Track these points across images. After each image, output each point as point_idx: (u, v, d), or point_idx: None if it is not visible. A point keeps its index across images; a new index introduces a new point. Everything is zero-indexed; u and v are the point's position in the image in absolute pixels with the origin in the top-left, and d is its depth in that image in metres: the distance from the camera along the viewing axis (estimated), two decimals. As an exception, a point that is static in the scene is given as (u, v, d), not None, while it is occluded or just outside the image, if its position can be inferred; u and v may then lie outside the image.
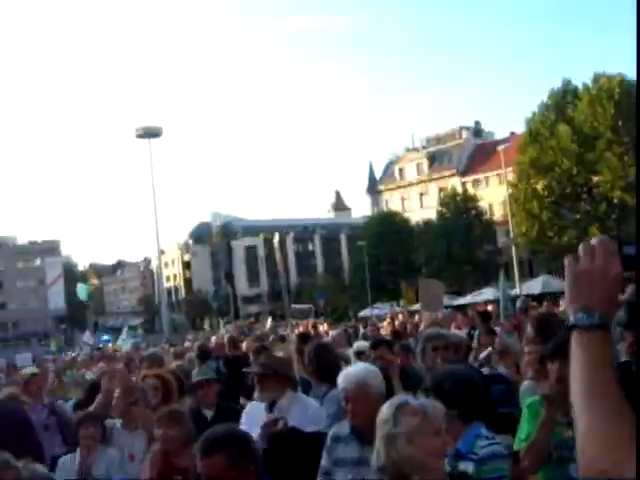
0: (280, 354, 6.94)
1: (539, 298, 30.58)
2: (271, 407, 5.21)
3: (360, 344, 8.17)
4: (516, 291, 35.27)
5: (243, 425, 5.23)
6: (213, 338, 26.07)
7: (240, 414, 6.30)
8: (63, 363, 19.58)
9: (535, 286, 37.89)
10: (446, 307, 16.37)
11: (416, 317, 27.14)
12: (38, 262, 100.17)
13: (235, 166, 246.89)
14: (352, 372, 4.26)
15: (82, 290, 53.38)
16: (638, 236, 5.30)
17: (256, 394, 5.41)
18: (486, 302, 30.69)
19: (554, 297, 25.17)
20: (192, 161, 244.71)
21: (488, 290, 43.72)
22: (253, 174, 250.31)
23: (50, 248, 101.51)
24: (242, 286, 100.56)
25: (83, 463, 5.30)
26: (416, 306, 42.36)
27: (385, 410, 3.09)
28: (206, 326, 42.86)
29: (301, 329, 22.87)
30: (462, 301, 38.67)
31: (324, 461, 4.31)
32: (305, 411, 5.19)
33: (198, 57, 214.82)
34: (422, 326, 13.95)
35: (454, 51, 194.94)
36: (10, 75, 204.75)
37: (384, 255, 59.00)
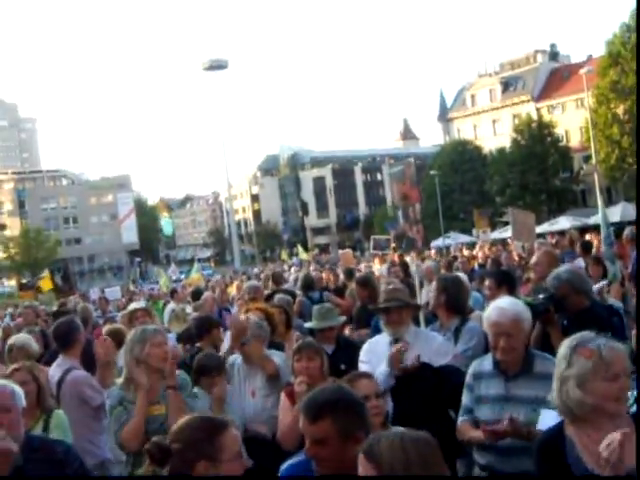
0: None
1: (619, 226, 29.78)
2: (395, 343, 5.11)
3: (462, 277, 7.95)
4: (596, 219, 34.37)
5: (364, 363, 5.19)
6: (293, 268, 26.39)
7: (358, 349, 6.29)
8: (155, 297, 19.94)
9: (614, 214, 36.79)
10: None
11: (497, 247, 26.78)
12: (110, 197, 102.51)
13: (302, 97, 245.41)
14: (507, 306, 4.10)
15: (167, 225, 54.57)
16: (637, 225, 5.05)
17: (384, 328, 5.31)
18: (580, 229, 29.89)
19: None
20: (259, 94, 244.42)
21: (563, 219, 42.82)
22: (320, 105, 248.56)
23: (121, 184, 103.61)
24: (311, 217, 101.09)
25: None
26: (490, 235, 42.09)
27: (563, 349, 3.00)
28: (284, 256, 43.27)
29: (377, 261, 22.80)
30: (538, 230, 37.78)
31: (466, 399, 4.23)
32: (430, 345, 5.11)
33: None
34: (534, 258, 13.70)
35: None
36: (78, 10, 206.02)
37: (456, 184, 58.21)
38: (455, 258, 17.33)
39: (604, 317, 4.05)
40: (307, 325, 6.59)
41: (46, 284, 19.09)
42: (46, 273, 20.88)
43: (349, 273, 14.34)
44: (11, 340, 6.69)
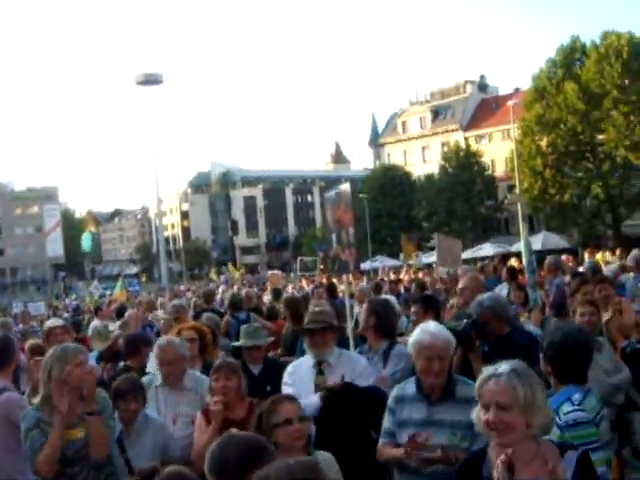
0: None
1: (539, 254, 30.74)
2: (319, 365, 5.16)
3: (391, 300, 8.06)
4: (518, 246, 35.37)
5: (288, 386, 5.17)
6: (222, 287, 26.22)
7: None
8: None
9: (536, 242, 37.94)
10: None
11: (418, 273, 27.26)
12: (36, 209, 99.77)
13: (235, 116, 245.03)
14: (438, 331, 4.20)
15: (87, 240, 53.32)
16: None
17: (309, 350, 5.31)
18: (502, 256, 30.59)
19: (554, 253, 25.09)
20: (192, 110, 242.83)
21: (487, 245, 43.91)
22: (253, 124, 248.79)
23: (48, 195, 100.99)
24: (240, 236, 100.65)
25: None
26: (411, 261, 42.72)
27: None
28: (213, 275, 42.83)
29: (305, 282, 22.90)
30: (463, 256, 38.64)
31: (387, 422, 4.26)
32: (354, 367, 5.14)
33: (199, 5, 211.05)
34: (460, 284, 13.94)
35: (461, 4, 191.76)
36: (10, 19, 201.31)
37: (385, 209, 58.98)
38: (383, 281, 17.57)
39: (523, 343, 4.19)
40: (235, 344, 6.53)
41: None
42: None
43: (277, 294, 14.39)
44: None
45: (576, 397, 3.63)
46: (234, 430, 3.94)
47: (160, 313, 14.36)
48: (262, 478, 2.33)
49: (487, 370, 3.00)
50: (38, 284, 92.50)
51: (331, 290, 12.68)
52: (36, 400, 4.58)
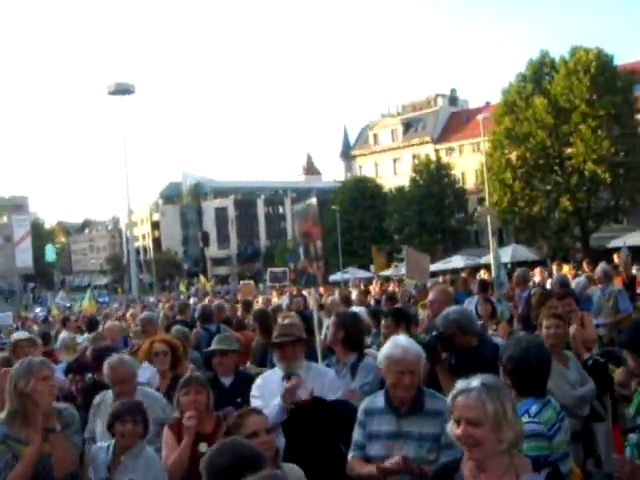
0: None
1: (509, 266, 31.11)
2: (288, 378, 5.14)
3: (361, 312, 8.09)
4: (488, 259, 35.69)
5: (256, 398, 5.18)
6: (192, 299, 26.08)
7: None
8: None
9: (505, 255, 38.34)
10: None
11: (391, 285, 27.35)
12: (5, 219, 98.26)
13: (207, 127, 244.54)
14: (408, 345, 4.23)
15: (50, 251, 52.59)
16: None
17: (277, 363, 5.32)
18: (472, 268, 30.77)
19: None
20: (164, 121, 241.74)
21: (457, 258, 44.21)
22: (225, 135, 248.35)
23: (17, 205, 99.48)
24: (212, 247, 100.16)
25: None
26: (386, 272, 42.92)
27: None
28: (182, 287, 42.60)
29: (275, 294, 22.84)
30: (433, 268, 38.94)
31: (357, 435, 4.29)
32: (323, 380, 5.17)
33: (171, 15, 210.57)
34: (430, 296, 14.07)
35: (432, 19, 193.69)
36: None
37: (356, 220, 59.06)
38: (349, 293, 17.59)
39: (489, 356, 4.26)
40: (206, 350, 6.47)
41: None
42: None
43: (247, 305, 14.35)
44: None
45: (533, 409, 3.71)
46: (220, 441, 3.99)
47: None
48: None
49: (459, 384, 3.03)
50: (6, 295, 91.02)
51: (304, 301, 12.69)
52: (2, 415, 4.51)
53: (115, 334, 10.18)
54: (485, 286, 11.48)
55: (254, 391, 5.30)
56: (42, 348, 8.77)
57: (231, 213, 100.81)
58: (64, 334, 12.30)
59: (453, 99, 74.31)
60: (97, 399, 5.51)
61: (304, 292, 15.44)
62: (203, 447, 4.55)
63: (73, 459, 4.48)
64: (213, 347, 6.22)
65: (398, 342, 4.27)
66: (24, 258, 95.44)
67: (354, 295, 16.20)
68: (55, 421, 4.39)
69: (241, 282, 38.66)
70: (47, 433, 4.34)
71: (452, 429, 3.00)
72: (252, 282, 27.27)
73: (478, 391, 2.95)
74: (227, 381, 6.01)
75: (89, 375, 7.01)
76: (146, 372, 6.28)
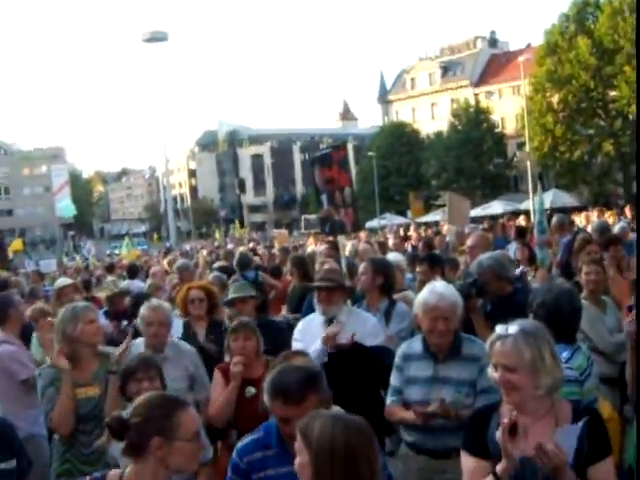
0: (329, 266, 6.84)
1: (549, 212, 30.68)
2: (329, 322, 5.20)
3: (397, 258, 8.07)
4: (527, 204, 35.28)
5: (298, 342, 5.24)
6: (229, 246, 26.27)
7: (280, 328, 6.28)
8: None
9: (545, 200, 37.70)
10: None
11: (426, 230, 27.23)
12: (44, 169, 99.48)
13: (243, 73, 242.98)
14: (445, 291, 4.21)
15: (67, 209, 52.98)
16: (638, 226, 5.28)
17: (319, 308, 5.33)
18: (511, 214, 30.46)
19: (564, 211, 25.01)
20: (200, 69, 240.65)
21: (496, 203, 43.77)
22: (261, 82, 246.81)
23: (55, 155, 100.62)
24: (248, 195, 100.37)
25: None
26: (423, 218, 42.77)
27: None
28: (217, 235, 42.79)
29: (312, 240, 22.88)
30: (472, 214, 38.57)
31: (395, 380, 4.33)
32: (364, 325, 5.19)
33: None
34: (448, 238, 14.07)
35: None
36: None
37: (393, 166, 58.60)
38: (386, 239, 17.57)
39: (525, 303, 4.24)
40: (226, 300, 6.42)
41: (16, 246, 18.55)
42: (18, 240, 20.45)
43: (285, 252, 14.43)
44: None
45: (564, 355, 3.69)
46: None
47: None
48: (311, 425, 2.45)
49: (497, 330, 3.03)
50: (48, 244, 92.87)
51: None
52: (50, 360, 4.67)
53: (162, 279, 10.33)
54: (523, 232, 11.34)
55: (296, 335, 5.38)
56: (85, 294, 8.99)
57: (267, 160, 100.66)
58: (109, 280, 12.49)
59: (493, 41, 72.44)
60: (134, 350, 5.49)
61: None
62: (250, 391, 4.65)
63: (124, 403, 4.61)
64: (230, 296, 6.25)
65: (434, 288, 4.25)
66: (64, 207, 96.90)
67: (391, 241, 16.16)
68: (112, 363, 4.49)
69: (275, 231, 38.78)
70: (99, 375, 4.49)
71: (491, 373, 3.02)
72: (286, 230, 27.36)
73: (515, 337, 2.95)
74: None
75: (124, 322, 7.12)
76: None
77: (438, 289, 4.23)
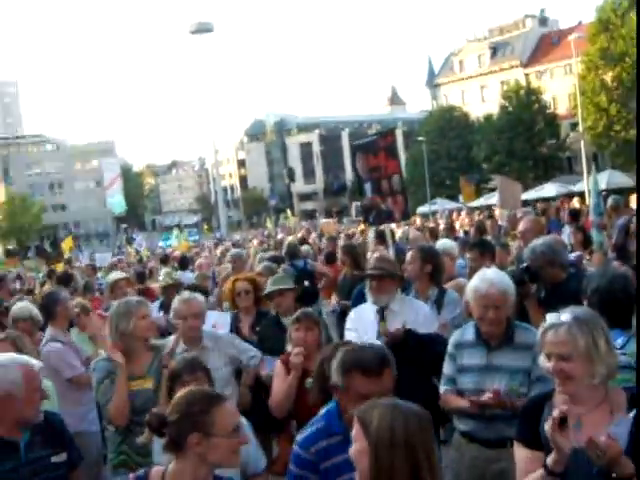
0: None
1: (605, 193, 29.98)
2: (381, 312, 5.14)
3: (448, 244, 7.95)
4: (582, 186, 34.54)
5: (350, 331, 5.19)
6: (279, 235, 26.43)
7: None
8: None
9: (600, 181, 36.87)
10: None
11: (475, 214, 26.90)
12: (95, 163, 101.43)
13: (290, 62, 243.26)
14: (495, 279, 4.12)
15: (118, 205, 53.91)
16: (638, 225, 5.09)
17: (370, 298, 5.28)
18: (565, 196, 29.84)
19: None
20: (246, 58, 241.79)
21: (549, 186, 42.92)
22: (308, 70, 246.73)
23: (106, 149, 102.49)
24: (298, 183, 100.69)
25: None
26: (474, 203, 42.27)
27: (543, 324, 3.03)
28: (268, 224, 43.02)
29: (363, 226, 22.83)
30: (524, 197, 37.91)
31: (447, 368, 4.29)
32: (417, 314, 5.13)
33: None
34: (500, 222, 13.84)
35: None
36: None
37: (443, 150, 58.01)
38: (437, 225, 17.40)
39: (579, 289, 4.12)
40: (265, 292, 6.37)
41: (68, 244, 19.00)
42: (69, 237, 20.92)
43: (332, 241, 14.42)
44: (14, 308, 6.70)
45: (619, 341, 3.62)
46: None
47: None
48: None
49: (549, 319, 2.95)
50: (101, 237, 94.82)
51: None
52: (104, 354, 4.76)
53: (207, 269, 10.40)
54: (576, 215, 11.08)
55: (348, 324, 5.34)
56: (138, 286, 9.10)
57: (316, 148, 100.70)
58: (164, 271, 12.58)
59: (543, 20, 70.90)
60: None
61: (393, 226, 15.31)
62: (310, 382, 4.57)
63: None
64: (269, 289, 6.20)
65: (485, 275, 4.17)
66: (116, 201, 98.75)
67: (442, 226, 16.01)
68: (164, 357, 4.53)
69: (322, 220, 38.74)
70: (153, 368, 4.54)
71: (544, 362, 2.95)
72: (332, 219, 27.33)
73: (568, 325, 2.86)
74: (287, 321, 5.88)
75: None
76: (217, 317, 6.40)
77: (489, 276, 4.15)
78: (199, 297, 5.37)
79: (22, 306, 6.53)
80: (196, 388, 2.98)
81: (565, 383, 2.87)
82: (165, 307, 8.03)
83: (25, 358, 3.65)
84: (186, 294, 5.43)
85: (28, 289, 12.73)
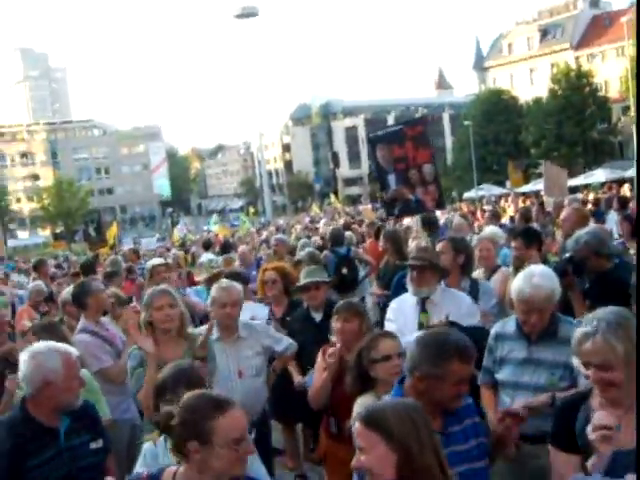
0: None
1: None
2: (422, 303, 5.04)
3: (493, 231, 7.79)
4: (634, 172, 33.70)
5: (391, 322, 5.09)
6: (323, 220, 26.38)
7: None
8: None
9: (653, 167, 35.91)
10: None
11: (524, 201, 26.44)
12: (141, 147, 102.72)
13: (336, 45, 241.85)
14: (541, 282, 3.93)
15: (163, 187, 54.55)
16: (638, 222, 4.89)
17: (411, 288, 5.16)
18: (616, 182, 29.17)
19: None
20: (291, 42, 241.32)
21: (600, 171, 42.02)
22: (354, 53, 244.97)
23: (152, 133, 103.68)
24: (343, 167, 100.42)
25: None
26: (522, 188, 41.65)
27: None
28: (315, 208, 42.98)
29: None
30: (573, 183, 37.18)
31: (486, 360, 4.20)
32: (459, 305, 5.00)
33: None
34: (562, 215, 13.52)
35: None
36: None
37: (490, 135, 57.21)
38: (482, 211, 17.15)
39: (625, 280, 3.96)
40: (298, 285, 6.20)
41: (112, 232, 19.28)
42: (113, 224, 21.25)
43: (372, 227, 14.31)
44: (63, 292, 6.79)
45: None
46: None
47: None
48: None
49: (581, 329, 2.83)
50: (147, 221, 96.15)
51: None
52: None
53: (247, 257, 10.42)
54: (625, 202, 10.77)
55: (389, 314, 5.24)
56: (177, 271, 9.15)
57: (361, 132, 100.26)
58: (204, 257, 12.64)
59: (594, 1, 69.20)
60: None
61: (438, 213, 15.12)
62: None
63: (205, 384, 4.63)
64: (304, 281, 6.03)
65: (531, 277, 3.97)
66: (162, 184, 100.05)
67: (487, 213, 15.77)
68: (197, 349, 4.49)
69: (361, 207, 38.53)
70: (185, 357, 4.47)
71: (580, 368, 2.85)
72: (369, 206, 27.15)
73: (603, 333, 2.73)
74: (317, 316, 5.88)
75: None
76: (255, 309, 6.38)
77: (535, 280, 3.95)
78: (237, 286, 5.31)
79: (69, 290, 6.62)
80: (205, 393, 2.80)
81: (606, 390, 2.77)
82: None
83: (64, 346, 3.72)
84: (225, 282, 5.39)
85: (75, 272, 12.86)
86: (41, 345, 3.67)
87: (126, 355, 5.05)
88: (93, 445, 3.57)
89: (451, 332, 3.22)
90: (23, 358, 3.54)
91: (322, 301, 5.95)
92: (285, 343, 5.40)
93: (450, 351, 2.99)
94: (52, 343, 3.76)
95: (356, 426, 2.41)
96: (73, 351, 3.69)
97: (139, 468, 3.18)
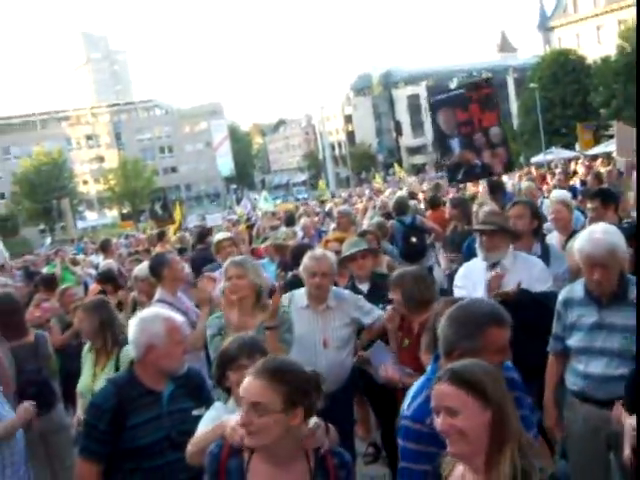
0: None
1: None
2: (492, 268, 4.95)
3: (564, 195, 7.60)
4: None
5: (459, 288, 5.06)
6: (388, 190, 26.23)
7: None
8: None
9: None
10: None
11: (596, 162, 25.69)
12: (203, 125, 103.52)
13: (395, 13, 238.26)
14: (601, 236, 3.86)
15: (225, 167, 55.07)
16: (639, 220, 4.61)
17: (481, 254, 5.10)
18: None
19: None
20: (351, 13, 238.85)
21: (674, 130, 40.43)
22: (414, 20, 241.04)
23: (213, 111, 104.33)
24: (406, 136, 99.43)
25: None
26: (593, 150, 40.45)
27: None
28: (378, 178, 42.71)
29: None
30: (645, 143, 35.80)
31: (555, 327, 4.15)
32: (530, 270, 4.91)
33: None
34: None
35: None
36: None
37: (557, 97, 55.62)
38: (552, 175, 16.74)
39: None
40: (343, 256, 6.03)
41: (178, 213, 19.59)
42: (177, 204, 21.61)
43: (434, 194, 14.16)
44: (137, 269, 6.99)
45: None
46: None
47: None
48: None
49: None
50: (212, 198, 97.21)
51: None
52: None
53: (309, 230, 10.44)
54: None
55: (457, 281, 5.20)
56: (243, 247, 9.24)
57: (423, 100, 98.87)
58: (280, 230, 12.64)
59: (664, -48, 66.14)
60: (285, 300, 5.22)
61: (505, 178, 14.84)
62: (405, 342, 4.62)
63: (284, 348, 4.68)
64: (347, 252, 5.93)
65: (592, 234, 3.91)
66: (224, 161, 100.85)
67: (556, 177, 15.42)
68: (267, 319, 4.54)
69: (410, 178, 38.08)
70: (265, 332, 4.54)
71: None
72: (415, 177, 26.79)
73: None
74: (364, 287, 5.79)
75: (290, 272, 7.18)
76: None
77: (595, 235, 3.89)
78: (331, 256, 5.23)
79: (141, 267, 6.79)
80: None
81: None
82: (280, 265, 7.88)
83: (169, 313, 3.89)
84: (318, 251, 5.37)
85: (145, 249, 13.16)
86: (149, 311, 3.88)
87: (201, 323, 5.18)
88: (195, 412, 3.63)
89: (477, 301, 3.19)
90: (132, 323, 3.72)
91: (369, 271, 5.88)
92: (374, 315, 5.20)
93: (485, 319, 2.88)
94: (159, 309, 3.98)
95: (441, 387, 2.27)
96: (178, 318, 3.82)
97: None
